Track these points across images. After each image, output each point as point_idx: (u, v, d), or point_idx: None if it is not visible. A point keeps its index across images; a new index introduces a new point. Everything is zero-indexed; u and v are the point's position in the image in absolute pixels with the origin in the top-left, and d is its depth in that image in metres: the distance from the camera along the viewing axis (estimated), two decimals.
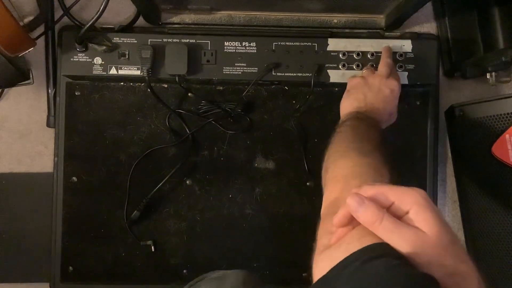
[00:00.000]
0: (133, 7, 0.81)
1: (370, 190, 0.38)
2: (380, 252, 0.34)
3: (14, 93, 0.84)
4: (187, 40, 0.76)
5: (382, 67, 0.71)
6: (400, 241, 0.34)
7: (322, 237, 0.42)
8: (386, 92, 0.67)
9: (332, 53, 0.78)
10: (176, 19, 0.80)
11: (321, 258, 0.39)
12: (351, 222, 0.38)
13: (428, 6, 0.84)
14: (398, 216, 0.36)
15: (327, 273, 0.35)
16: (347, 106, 0.67)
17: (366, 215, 0.36)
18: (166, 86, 0.79)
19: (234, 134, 0.80)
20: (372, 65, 0.77)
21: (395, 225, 0.35)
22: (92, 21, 0.68)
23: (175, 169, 0.78)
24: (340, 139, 0.58)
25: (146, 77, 0.75)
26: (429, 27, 0.85)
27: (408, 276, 0.31)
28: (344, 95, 0.70)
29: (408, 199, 0.36)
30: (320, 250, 0.40)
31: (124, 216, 0.79)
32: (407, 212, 0.36)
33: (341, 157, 0.54)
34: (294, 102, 0.80)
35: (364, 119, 0.62)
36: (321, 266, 0.37)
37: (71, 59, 0.76)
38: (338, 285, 0.33)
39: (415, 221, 0.35)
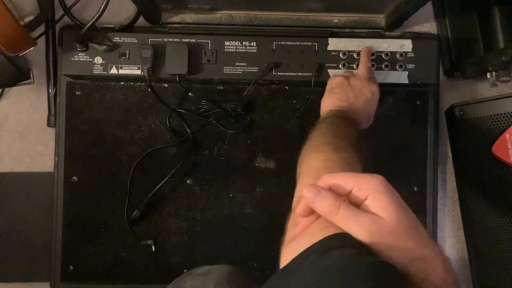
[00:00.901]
0: (134, 7, 0.81)
1: (329, 179, 0.38)
2: (339, 242, 0.34)
3: (15, 93, 0.84)
4: (188, 40, 0.76)
5: (363, 70, 0.71)
6: (358, 228, 0.34)
7: (290, 229, 0.42)
8: (368, 95, 0.68)
9: (332, 53, 0.78)
10: (176, 18, 0.81)
11: (286, 251, 0.39)
12: (314, 212, 0.38)
13: (428, 6, 0.84)
14: (357, 204, 0.36)
15: (289, 263, 0.35)
16: (328, 104, 0.68)
17: (323, 205, 0.36)
18: (166, 85, 0.80)
19: (234, 133, 0.80)
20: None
21: (351, 213, 0.35)
22: (92, 20, 0.68)
23: (176, 168, 0.78)
24: (317, 135, 0.58)
25: (147, 77, 0.75)
26: (429, 27, 0.85)
27: (365, 265, 0.31)
28: (326, 94, 0.70)
29: (366, 185, 0.36)
30: (287, 241, 0.40)
31: (124, 215, 0.79)
32: (365, 199, 0.35)
33: (315, 151, 0.54)
34: (294, 101, 0.80)
35: (345, 118, 0.62)
36: (285, 258, 0.37)
37: (72, 59, 0.76)
38: (298, 276, 0.33)
39: (372, 208, 0.35)
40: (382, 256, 0.34)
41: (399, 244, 0.34)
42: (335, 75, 0.74)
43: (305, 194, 0.37)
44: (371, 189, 0.35)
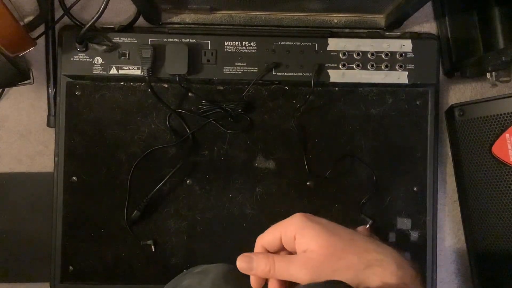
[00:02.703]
0: (133, 7, 0.81)
1: (260, 240, 0.40)
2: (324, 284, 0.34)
3: (15, 93, 0.84)
4: (187, 40, 0.76)
5: None
6: (299, 271, 0.35)
7: None
8: None
9: (332, 53, 0.78)
10: (176, 19, 0.81)
11: None
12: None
13: (428, 6, 0.84)
14: (293, 248, 0.37)
15: None
16: None
17: (260, 268, 0.38)
18: (166, 86, 0.80)
19: (234, 134, 0.80)
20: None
21: (286, 262, 0.36)
22: (92, 21, 0.68)
23: (176, 169, 0.78)
24: None
25: (147, 77, 0.75)
26: (429, 27, 0.85)
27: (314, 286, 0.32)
28: None
29: (288, 228, 0.37)
30: None
31: (124, 216, 0.79)
32: (295, 240, 0.37)
33: None
34: (294, 102, 0.80)
35: None
36: None
37: (72, 59, 0.76)
38: None
39: (302, 245, 0.36)
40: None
41: (341, 264, 0.35)
42: None
43: (239, 266, 0.38)
44: (295, 229, 0.37)
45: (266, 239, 0.39)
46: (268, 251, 0.41)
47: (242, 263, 0.38)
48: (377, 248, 0.36)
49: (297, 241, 0.36)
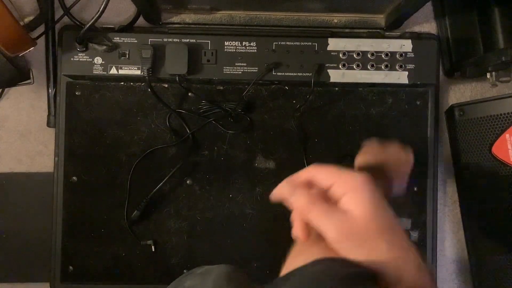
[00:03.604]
0: (133, 7, 0.81)
1: (313, 170, 0.38)
2: (326, 261, 0.34)
3: (15, 93, 0.84)
4: (187, 40, 0.76)
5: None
6: (329, 224, 0.34)
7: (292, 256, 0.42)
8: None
9: (332, 53, 0.78)
10: (176, 19, 0.81)
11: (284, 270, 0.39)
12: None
13: (428, 6, 0.84)
14: (336, 198, 0.36)
15: (278, 278, 0.36)
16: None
17: (298, 201, 0.36)
18: (166, 86, 0.80)
19: (234, 134, 0.80)
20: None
21: (324, 210, 0.35)
22: (92, 20, 0.68)
23: (176, 169, 0.78)
24: None
25: (147, 77, 0.75)
26: (429, 27, 0.85)
27: (341, 272, 0.32)
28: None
29: (346, 182, 0.36)
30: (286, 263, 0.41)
31: (124, 216, 0.79)
32: (343, 196, 0.36)
33: None
34: (294, 102, 0.80)
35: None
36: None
37: (72, 59, 0.76)
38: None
39: (348, 205, 0.35)
40: (355, 255, 0.34)
41: (371, 244, 0.34)
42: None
43: (280, 190, 0.37)
44: (351, 187, 0.35)
45: (319, 175, 0.37)
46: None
47: (286, 185, 0.37)
48: (407, 246, 0.35)
49: (346, 199, 0.35)
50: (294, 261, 0.38)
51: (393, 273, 0.34)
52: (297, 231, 0.37)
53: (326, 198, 0.36)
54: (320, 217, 0.35)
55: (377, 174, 0.62)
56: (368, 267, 0.34)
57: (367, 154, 0.67)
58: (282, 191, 0.37)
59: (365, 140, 0.71)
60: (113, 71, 0.76)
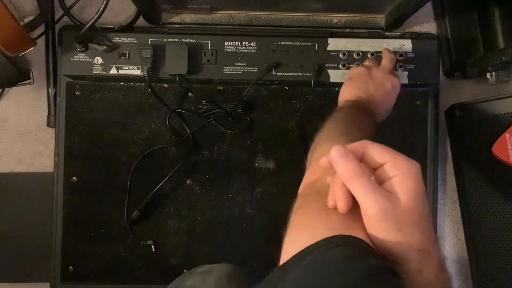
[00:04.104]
0: (133, 7, 0.81)
1: (367, 145, 0.37)
2: (342, 242, 0.33)
3: (15, 93, 0.84)
4: (188, 40, 0.76)
5: (387, 62, 0.69)
6: (373, 202, 0.34)
7: (296, 213, 0.41)
8: (389, 87, 0.66)
9: (332, 53, 0.78)
10: (176, 19, 0.81)
11: (289, 240, 0.38)
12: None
13: (428, 6, 0.84)
14: (383, 179, 0.36)
15: (287, 260, 0.34)
16: (347, 93, 0.66)
17: (346, 168, 0.36)
18: (166, 86, 0.80)
19: (234, 134, 0.80)
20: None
21: (371, 186, 0.35)
22: (92, 21, 0.68)
23: (176, 169, 0.78)
24: (333, 124, 0.57)
25: (147, 77, 0.75)
26: (429, 27, 0.85)
27: (364, 267, 0.31)
28: (346, 82, 0.68)
29: (399, 165, 0.35)
30: (291, 229, 0.39)
31: (124, 216, 0.79)
32: (392, 178, 0.35)
33: (329, 141, 0.52)
34: (294, 102, 0.80)
35: (362, 109, 0.61)
36: (287, 248, 0.37)
37: (72, 59, 0.76)
38: (294, 274, 0.33)
39: (396, 187, 0.35)
40: (387, 237, 0.34)
41: (407, 230, 0.34)
42: (357, 64, 0.72)
43: (332, 153, 0.36)
44: (403, 170, 0.35)
45: (373, 152, 0.37)
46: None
47: (337, 151, 0.36)
48: (435, 241, 0.36)
49: (395, 181, 0.35)
50: (298, 235, 0.37)
51: (416, 264, 0.34)
52: (338, 198, 0.37)
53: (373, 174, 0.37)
54: (367, 189, 0.34)
55: (363, 100, 0.63)
56: (388, 258, 0.35)
57: (352, 79, 0.68)
58: (333, 156, 0.36)
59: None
60: (113, 71, 0.76)
